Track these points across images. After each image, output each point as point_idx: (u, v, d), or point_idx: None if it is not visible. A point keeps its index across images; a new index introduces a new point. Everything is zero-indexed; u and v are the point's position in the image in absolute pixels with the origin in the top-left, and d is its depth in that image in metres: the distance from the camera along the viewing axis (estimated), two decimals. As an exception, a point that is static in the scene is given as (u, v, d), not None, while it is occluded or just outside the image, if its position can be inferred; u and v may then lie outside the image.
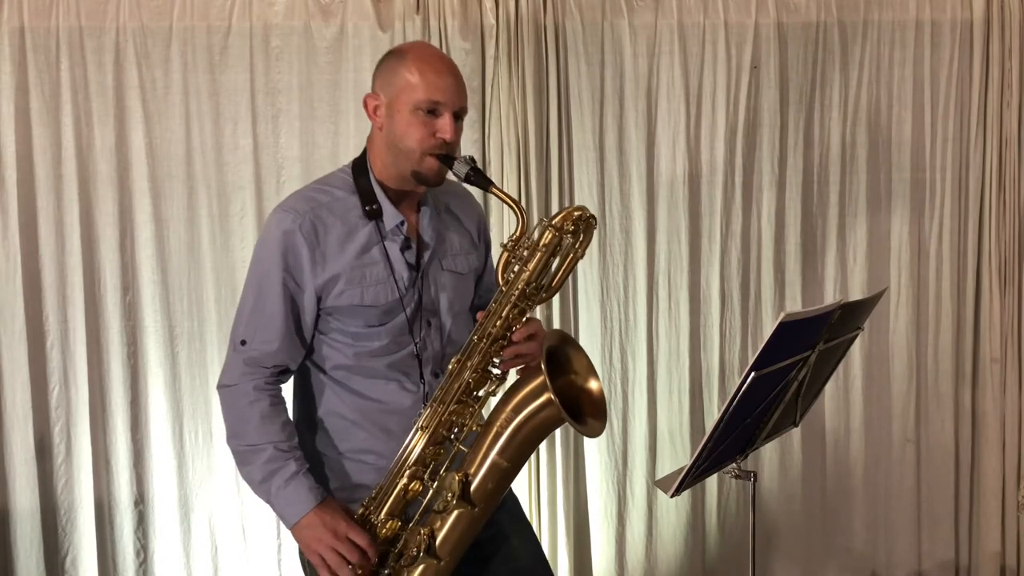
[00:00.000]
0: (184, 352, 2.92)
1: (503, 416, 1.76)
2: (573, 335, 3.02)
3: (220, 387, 1.84)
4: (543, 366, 1.72)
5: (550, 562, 3.00)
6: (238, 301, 2.85)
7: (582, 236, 1.79)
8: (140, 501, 2.94)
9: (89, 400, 2.88)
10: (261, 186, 2.91)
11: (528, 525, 2.07)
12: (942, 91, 3.07)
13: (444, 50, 2.88)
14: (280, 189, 2.90)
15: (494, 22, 2.90)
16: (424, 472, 1.79)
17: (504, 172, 2.93)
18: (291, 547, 2.95)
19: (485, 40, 2.92)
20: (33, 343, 2.86)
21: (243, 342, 1.82)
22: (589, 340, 3.03)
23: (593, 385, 1.82)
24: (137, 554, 2.94)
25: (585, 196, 3.00)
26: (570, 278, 2.98)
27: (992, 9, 3.01)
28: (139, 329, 2.91)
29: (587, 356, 1.84)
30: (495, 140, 2.94)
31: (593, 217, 1.79)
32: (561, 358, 1.81)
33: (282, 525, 2.92)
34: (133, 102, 2.86)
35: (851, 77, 3.05)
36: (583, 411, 1.79)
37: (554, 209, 2.97)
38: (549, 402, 1.72)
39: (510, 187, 2.92)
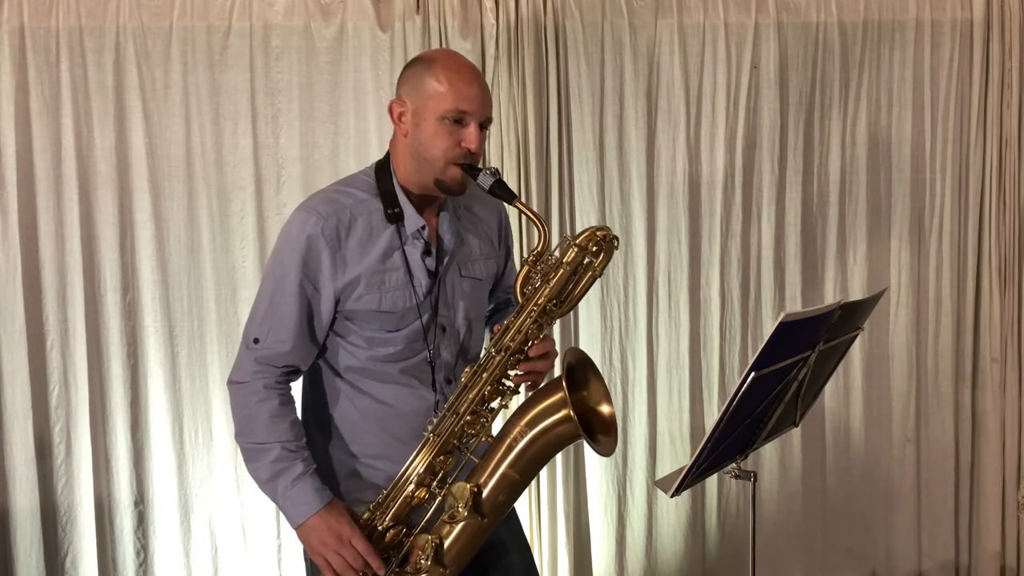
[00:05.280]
0: (184, 352, 2.92)
1: (517, 429, 1.76)
2: (573, 335, 3.02)
3: (230, 383, 1.84)
4: (564, 383, 1.71)
5: (550, 562, 3.02)
6: (238, 300, 2.92)
7: (603, 256, 1.79)
8: (140, 501, 2.94)
9: (89, 400, 2.88)
10: (261, 186, 2.91)
11: (525, 539, 2.07)
12: (942, 91, 3.07)
13: (444, 50, 2.89)
14: (280, 189, 2.90)
15: (494, 22, 2.90)
16: (432, 480, 1.78)
17: (504, 172, 2.93)
18: (291, 548, 2.95)
19: (485, 40, 2.92)
20: (33, 343, 2.86)
21: (256, 340, 1.81)
22: (589, 340, 3.03)
23: (605, 409, 1.82)
24: (137, 554, 2.94)
25: (585, 196, 3.00)
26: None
27: (992, 9, 3.01)
28: (139, 329, 2.91)
29: (604, 383, 1.84)
30: (495, 140, 2.94)
31: (616, 238, 1.80)
32: (577, 377, 1.81)
33: (282, 526, 2.95)
34: (133, 102, 2.86)
35: (851, 77, 3.05)
36: (595, 430, 1.79)
37: (554, 211, 2.97)
38: (567, 418, 1.72)
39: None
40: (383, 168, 1.86)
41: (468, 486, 1.73)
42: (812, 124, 3.06)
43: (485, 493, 1.75)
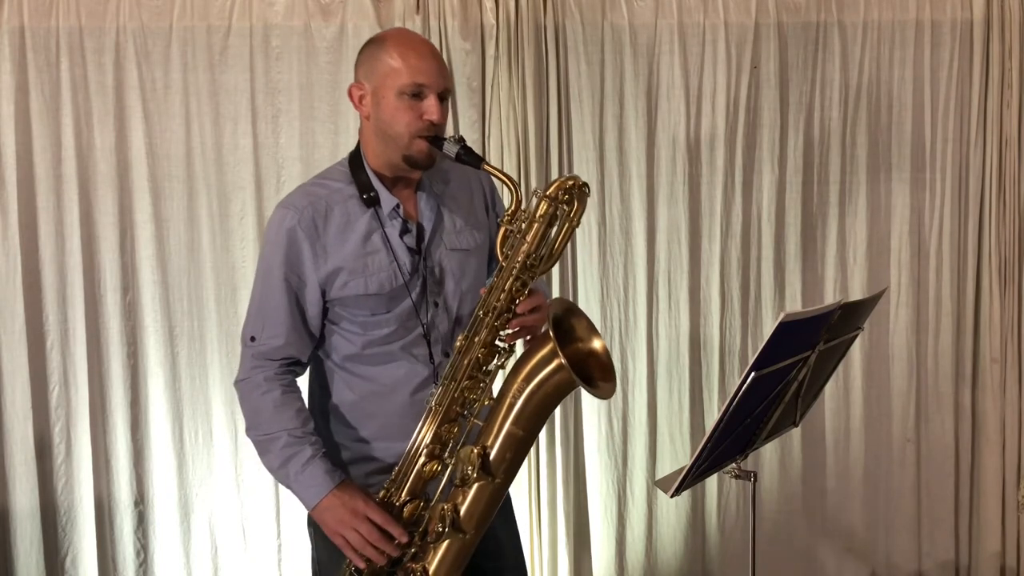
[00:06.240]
0: (184, 352, 2.93)
1: (515, 386, 1.77)
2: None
3: (236, 383, 1.89)
4: (551, 333, 1.72)
5: (550, 561, 3.02)
6: (238, 300, 2.92)
7: (576, 204, 1.79)
8: (140, 501, 2.94)
9: (89, 400, 2.89)
10: (261, 186, 2.91)
11: (514, 521, 2.09)
12: (942, 91, 3.07)
13: (444, 50, 2.88)
14: (280, 189, 2.90)
15: (494, 22, 2.90)
16: (441, 451, 1.80)
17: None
18: (291, 548, 2.95)
19: (485, 40, 2.92)
20: (33, 343, 2.86)
21: (252, 338, 1.87)
22: (589, 340, 3.03)
23: (597, 344, 1.83)
24: (137, 554, 2.95)
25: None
26: (569, 275, 3.00)
27: (992, 9, 3.01)
28: (139, 329, 2.91)
29: (588, 318, 1.85)
30: (495, 140, 2.94)
31: (586, 185, 1.80)
32: (566, 325, 1.82)
33: (282, 526, 2.95)
34: (133, 102, 2.86)
35: (851, 77, 3.05)
36: (592, 375, 1.80)
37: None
38: (560, 368, 1.73)
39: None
40: (355, 155, 1.89)
41: (475, 449, 1.75)
42: (812, 124, 3.06)
43: (492, 454, 1.76)
